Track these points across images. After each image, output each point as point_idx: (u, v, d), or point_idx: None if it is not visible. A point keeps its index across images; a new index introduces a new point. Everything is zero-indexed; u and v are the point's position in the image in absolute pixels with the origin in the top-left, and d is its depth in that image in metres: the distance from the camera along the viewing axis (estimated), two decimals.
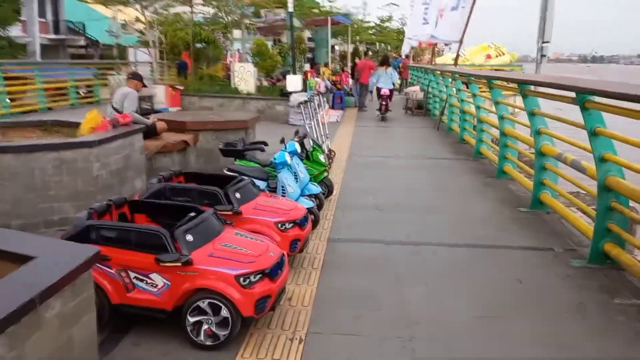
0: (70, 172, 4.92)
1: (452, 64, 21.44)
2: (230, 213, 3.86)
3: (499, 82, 7.89)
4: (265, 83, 16.74)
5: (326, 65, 25.02)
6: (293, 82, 14.75)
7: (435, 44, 23.02)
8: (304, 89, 14.62)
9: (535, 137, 6.05)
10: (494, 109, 8.08)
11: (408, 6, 18.92)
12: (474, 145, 9.49)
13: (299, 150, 5.45)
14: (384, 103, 14.59)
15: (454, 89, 12.18)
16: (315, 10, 24.58)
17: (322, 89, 16.74)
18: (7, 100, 16.07)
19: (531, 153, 7.02)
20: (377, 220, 5.63)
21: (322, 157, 6.18)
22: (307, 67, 23.34)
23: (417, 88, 16.82)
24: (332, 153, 8.75)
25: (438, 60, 25.40)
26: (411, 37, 18.37)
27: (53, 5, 34.52)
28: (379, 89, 15.03)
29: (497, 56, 31.50)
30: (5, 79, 15.03)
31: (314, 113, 8.04)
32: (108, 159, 5.29)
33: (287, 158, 4.89)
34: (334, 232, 5.17)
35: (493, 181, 7.56)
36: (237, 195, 4.03)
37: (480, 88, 9.60)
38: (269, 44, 24.31)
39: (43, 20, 33.76)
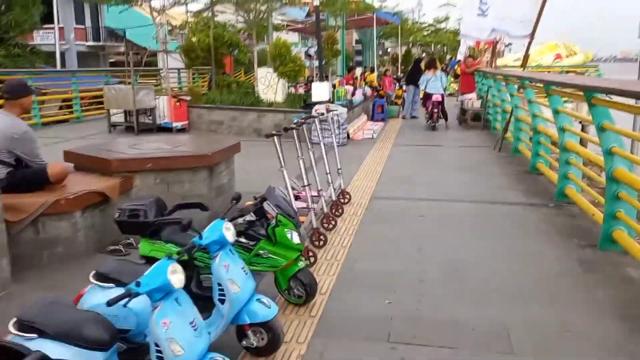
0: None
1: (515, 66, 18.19)
2: None
3: (602, 98, 4.89)
4: (301, 90, 14.24)
5: (372, 69, 22.27)
6: (319, 90, 12.07)
7: (496, 42, 19.79)
8: (332, 100, 11.95)
9: None
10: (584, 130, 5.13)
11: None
12: (557, 181, 6.50)
13: (230, 239, 2.81)
14: (435, 110, 12.70)
15: (520, 100, 9.22)
16: (355, 7, 21.81)
17: (359, 98, 14.11)
18: None
19: None
20: None
21: (293, 236, 3.46)
22: (358, 71, 20.69)
23: (473, 95, 13.81)
24: (346, 197, 6.08)
25: (498, 62, 21.98)
26: (466, 34, 15.24)
27: (93, 12, 33.64)
28: (429, 95, 13.08)
29: (567, 56, 27.61)
30: None
31: (311, 142, 5.36)
32: None
33: (172, 280, 2.22)
34: None
35: (596, 255, 4.58)
36: None
37: (566, 101, 6.57)
38: (312, 49, 21.75)
39: (81, 26, 32.89)
